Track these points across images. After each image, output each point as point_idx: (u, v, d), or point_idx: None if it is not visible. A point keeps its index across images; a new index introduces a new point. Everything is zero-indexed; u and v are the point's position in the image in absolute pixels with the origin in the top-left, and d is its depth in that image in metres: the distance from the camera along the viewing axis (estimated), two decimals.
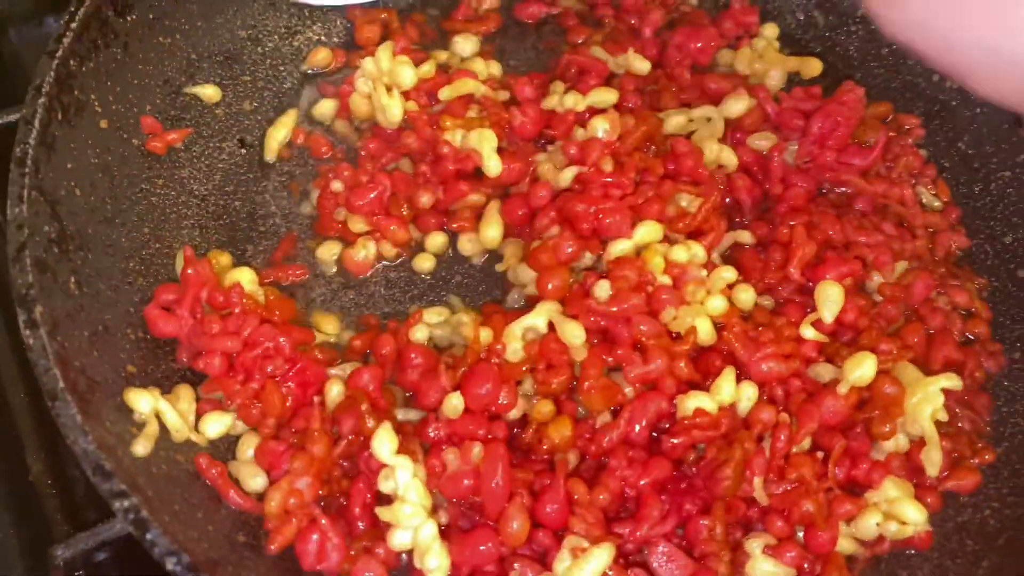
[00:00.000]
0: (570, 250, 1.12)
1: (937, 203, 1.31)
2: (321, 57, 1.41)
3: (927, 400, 1.05)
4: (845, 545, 1.04)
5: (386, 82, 1.29)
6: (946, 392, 1.06)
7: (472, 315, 1.15)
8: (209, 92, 1.31)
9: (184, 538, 0.87)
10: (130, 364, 1.06)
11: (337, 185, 1.25)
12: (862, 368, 1.05)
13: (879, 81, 1.41)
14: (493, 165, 1.22)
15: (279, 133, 1.33)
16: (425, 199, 1.23)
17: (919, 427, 1.05)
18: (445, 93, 1.28)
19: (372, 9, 1.44)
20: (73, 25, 1.11)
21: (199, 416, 1.07)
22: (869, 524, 1.02)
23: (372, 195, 1.21)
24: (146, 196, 1.22)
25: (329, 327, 1.18)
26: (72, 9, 1.12)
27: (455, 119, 1.25)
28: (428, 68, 1.33)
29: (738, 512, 1.01)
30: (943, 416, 1.08)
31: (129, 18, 1.20)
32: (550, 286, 1.10)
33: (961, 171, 1.34)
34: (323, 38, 1.44)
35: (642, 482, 1.00)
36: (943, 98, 1.38)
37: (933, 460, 1.05)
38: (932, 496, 1.07)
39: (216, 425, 1.06)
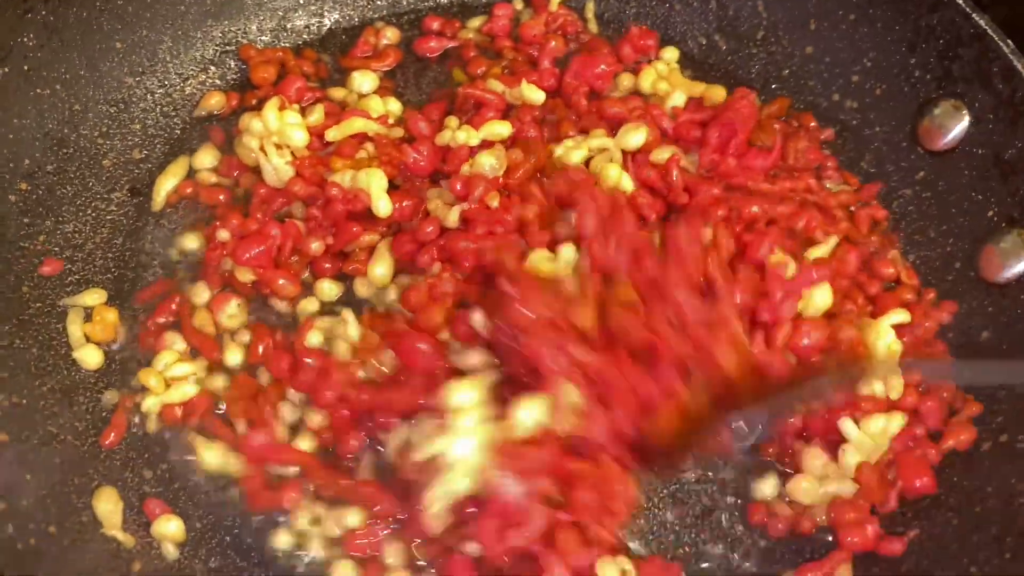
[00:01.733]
0: (447, 288, 1.10)
1: (846, 186, 1.32)
2: (215, 101, 1.37)
3: (880, 335, 1.15)
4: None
5: (275, 141, 1.25)
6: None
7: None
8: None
9: None
10: (1, 432, 1.02)
11: (224, 234, 1.21)
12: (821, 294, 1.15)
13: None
14: (383, 205, 1.19)
15: (168, 182, 1.29)
16: (315, 246, 1.20)
17: (879, 361, 1.14)
18: (332, 134, 1.25)
19: (267, 49, 1.41)
20: None
21: None
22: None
23: (258, 249, 1.18)
24: (25, 255, 1.18)
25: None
26: None
27: (344, 160, 1.23)
28: (317, 116, 1.29)
29: None
30: (897, 348, 1.16)
31: (2, 70, 1.16)
32: (426, 323, 1.09)
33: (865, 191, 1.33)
34: (217, 81, 1.41)
35: None
36: (843, 118, 1.37)
37: (894, 386, 1.14)
38: (935, 455, 1.12)
39: None
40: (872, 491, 1.09)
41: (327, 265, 1.23)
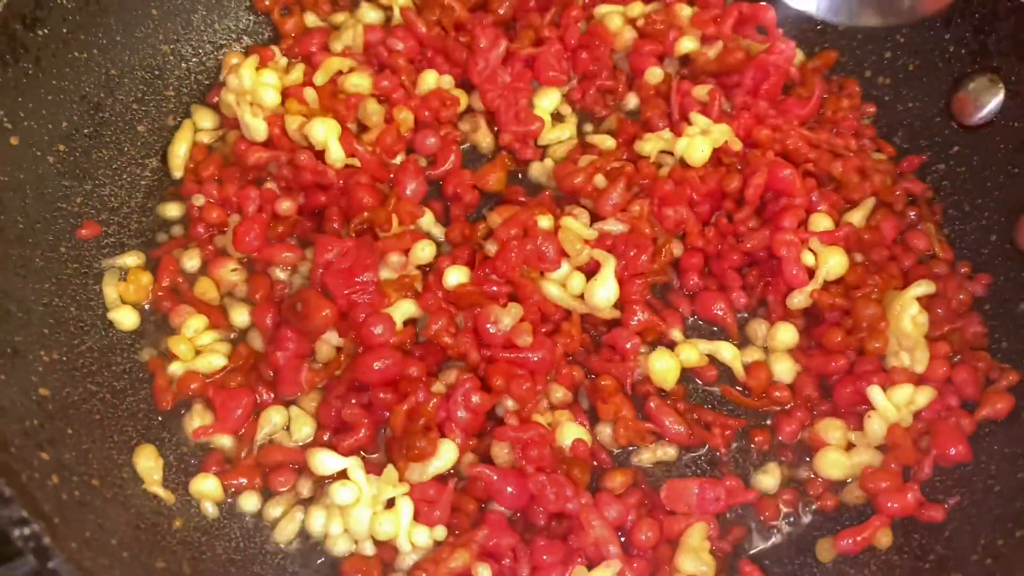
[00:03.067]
0: None
1: (883, 156, 1.33)
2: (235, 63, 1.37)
3: (904, 308, 1.15)
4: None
5: (250, 100, 1.27)
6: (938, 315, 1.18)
7: None
8: None
9: (94, 565, 0.83)
10: (43, 387, 1.02)
11: (199, 200, 1.26)
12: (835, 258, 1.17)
13: None
14: (336, 154, 1.22)
15: (180, 148, 1.30)
16: (285, 206, 1.23)
17: (905, 335, 1.14)
18: (319, 78, 1.30)
19: None
20: None
21: None
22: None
23: (254, 233, 1.21)
24: (63, 215, 1.17)
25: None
26: None
27: (300, 105, 1.27)
28: (296, 75, 1.31)
29: None
30: (923, 321, 1.16)
31: (40, 32, 1.16)
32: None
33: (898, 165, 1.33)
34: (249, 44, 1.41)
35: None
36: (876, 94, 1.37)
37: (919, 359, 1.15)
38: (969, 424, 1.12)
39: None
40: (904, 453, 1.09)
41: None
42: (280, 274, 1.20)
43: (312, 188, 1.23)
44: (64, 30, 1.19)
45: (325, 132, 1.22)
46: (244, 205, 1.24)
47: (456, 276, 1.14)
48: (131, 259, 1.21)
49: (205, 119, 1.33)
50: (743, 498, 1.09)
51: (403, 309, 1.13)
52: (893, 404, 1.11)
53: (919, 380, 1.14)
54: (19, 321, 1.04)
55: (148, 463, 1.06)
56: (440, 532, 1.05)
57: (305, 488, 1.09)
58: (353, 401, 1.09)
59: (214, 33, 1.38)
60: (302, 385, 1.11)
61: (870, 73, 1.39)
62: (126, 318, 1.17)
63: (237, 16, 1.40)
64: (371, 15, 1.39)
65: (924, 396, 1.13)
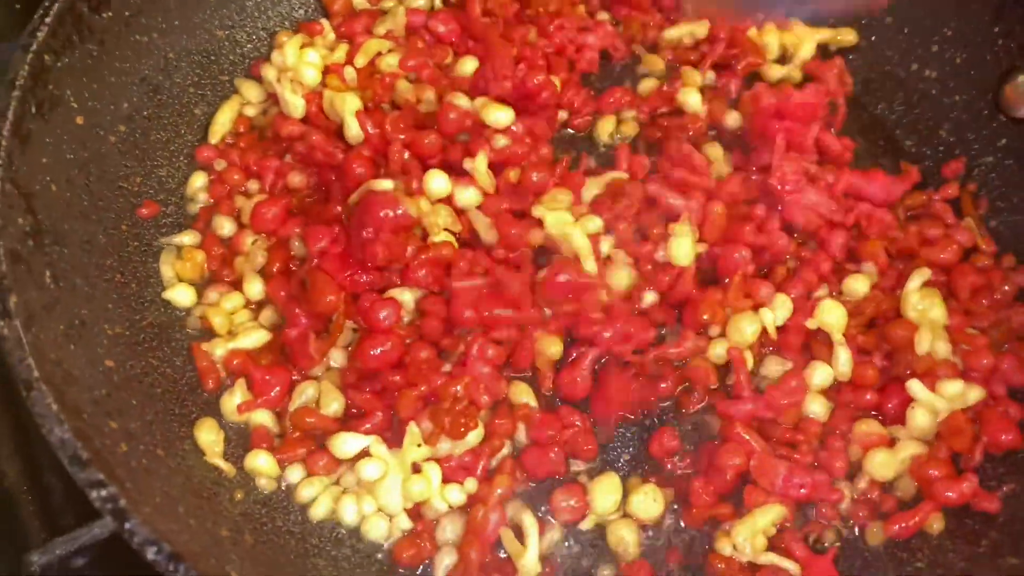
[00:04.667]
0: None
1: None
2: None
3: (910, 304, 1.17)
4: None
5: (291, 76, 1.30)
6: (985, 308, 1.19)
7: None
8: None
9: (164, 529, 0.84)
10: (108, 359, 1.04)
11: (220, 164, 1.28)
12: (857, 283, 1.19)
13: (859, 68, 1.41)
14: (354, 129, 1.23)
15: (223, 116, 1.32)
16: (297, 179, 1.25)
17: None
18: (359, 60, 1.32)
19: None
20: (47, 19, 1.09)
21: None
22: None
23: (274, 210, 1.22)
24: (124, 194, 1.20)
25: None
26: (46, 3, 1.10)
27: (339, 82, 1.29)
28: (339, 54, 1.33)
29: None
30: (941, 312, 1.16)
31: (105, 15, 1.18)
32: None
33: (945, 158, 1.34)
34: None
35: None
36: (922, 87, 1.38)
37: (939, 350, 1.15)
38: (1017, 411, 1.13)
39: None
40: (961, 440, 1.09)
41: None
42: (299, 246, 1.21)
43: (324, 167, 1.24)
44: (126, 13, 1.22)
45: (343, 107, 1.23)
46: (263, 174, 1.26)
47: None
48: (187, 238, 1.22)
49: (251, 92, 1.35)
50: (827, 495, 1.07)
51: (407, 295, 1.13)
52: (944, 396, 1.11)
53: (960, 372, 1.14)
54: (85, 295, 1.06)
55: (209, 436, 1.07)
56: (472, 484, 1.06)
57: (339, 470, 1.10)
58: (367, 388, 1.10)
59: (268, 20, 1.41)
60: (313, 356, 1.11)
61: (916, 66, 1.39)
62: (183, 296, 1.18)
63: (290, 3, 1.42)
64: (418, 0, 1.40)
65: (975, 394, 1.12)
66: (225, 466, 1.06)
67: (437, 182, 1.16)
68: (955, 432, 1.10)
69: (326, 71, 1.31)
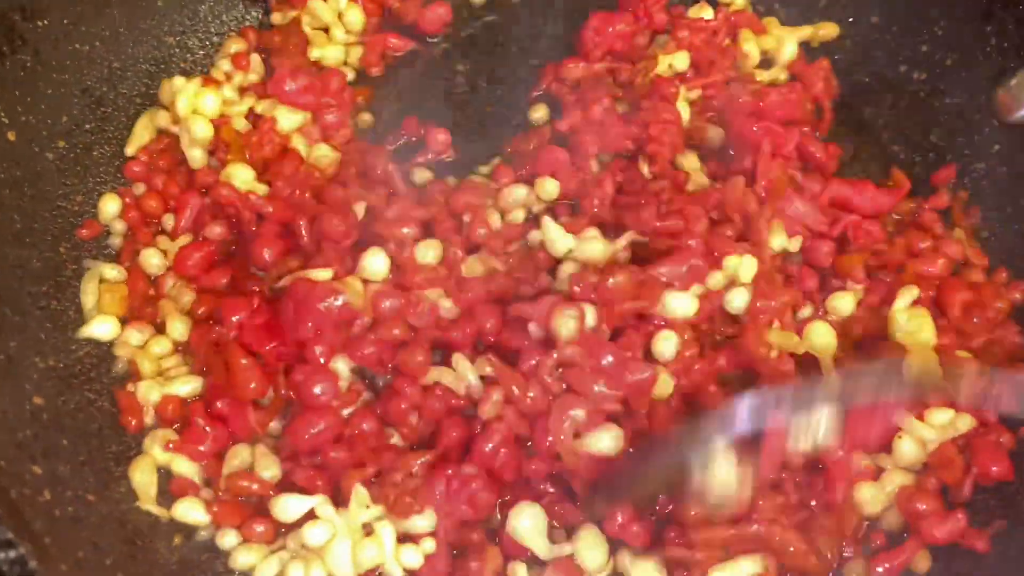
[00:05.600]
0: None
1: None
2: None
3: (897, 324, 1.10)
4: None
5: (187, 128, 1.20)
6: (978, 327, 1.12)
7: None
8: None
9: None
10: (37, 396, 0.98)
11: (139, 188, 1.20)
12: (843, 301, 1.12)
13: (845, 70, 1.34)
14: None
15: (140, 127, 1.23)
16: (217, 231, 1.16)
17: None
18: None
19: None
20: None
21: None
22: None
23: (198, 255, 1.14)
24: (63, 215, 1.13)
25: None
26: None
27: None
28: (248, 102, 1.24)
29: None
30: (930, 334, 1.09)
31: (40, 23, 1.12)
32: None
33: (934, 164, 1.27)
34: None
35: None
36: (912, 89, 1.31)
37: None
38: (1010, 439, 1.06)
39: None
40: (951, 472, 1.03)
41: None
42: None
43: (241, 220, 1.15)
44: (65, 21, 1.15)
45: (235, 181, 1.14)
46: (180, 210, 1.16)
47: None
48: (111, 272, 1.13)
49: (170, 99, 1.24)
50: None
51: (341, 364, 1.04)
52: (932, 426, 1.04)
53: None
54: (14, 326, 1.00)
55: (144, 477, 1.00)
56: (430, 545, 0.98)
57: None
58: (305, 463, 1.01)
59: (221, 24, 1.34)
60: (254, 428, 1.02)
61: (905, 68, 1.32)
62: (103, 330, 1.09)
63: (246, 7, 1.35)
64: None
65: (965, 422, 1.05)
66: (158, 511, 0.99)
67: (376, 262, 1.05)
68: (944, 463, 1.04)
69: (220, 122, 1.20)
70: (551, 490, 1.01)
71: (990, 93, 1.24)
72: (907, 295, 1.12)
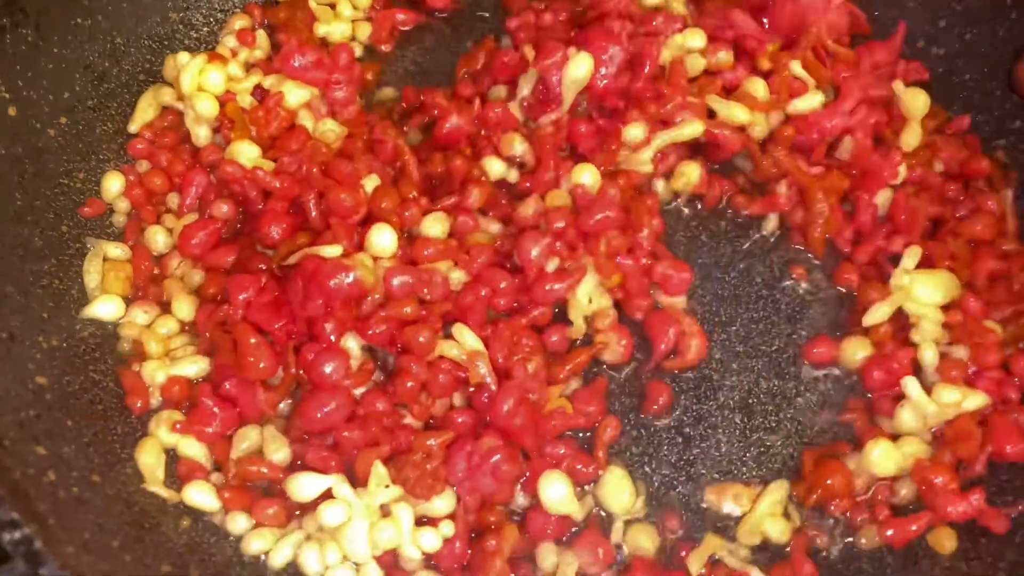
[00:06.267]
0: None
1: None
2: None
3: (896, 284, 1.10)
4: None
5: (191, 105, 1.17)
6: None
7: None
8: None
9: (92, 572, 0.76)
10: (40, 376, 0.95)
11: (143, 166, 1.17)
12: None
13: None
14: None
15: (145, 103, 1.20)
16: (224, 209, 1.13)
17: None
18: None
19: None
20: None
21: None
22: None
23: (202, 234, 1.11)
24: (65, 192, 1.11)
25: None
26: None
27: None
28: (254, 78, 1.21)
29: None
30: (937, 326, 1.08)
31: None
32: None
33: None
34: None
35: None
36: (929, 66, 1.28)
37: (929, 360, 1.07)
38: None
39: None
40: (968, 447, 1.01)
41: None
42: None
43: (246, 199, 1.12)
44: None
45: (239, 158, 1.11)
46: (186, 188, 1.14)
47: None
48: (115, 250, 1.11)
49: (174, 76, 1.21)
50: None
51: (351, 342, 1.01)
52: (937, 402, 1.02)
53: (969, 374, 1.06)
54: (16, 304, 0.98)
55: (150, 459, 0.98)
56: (448, 528, 0.96)
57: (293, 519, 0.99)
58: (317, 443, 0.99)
59: (226, 1, 1.31)
60: (263, 409, 1.00)
61: (923, 43, 1.30)
62: (107, 311, 1.07)
63: None
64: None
65: (974, 401, 1.03)
66: (166, 493, 0.97)
67: (384, 239, 1.03)
68: (961, 437, 1.02)
69: (225, 99, 1.17)
70: (563, 451, 1.01)
71: (1011, 69, 1.22)
72: (912, 256, 1.10)
